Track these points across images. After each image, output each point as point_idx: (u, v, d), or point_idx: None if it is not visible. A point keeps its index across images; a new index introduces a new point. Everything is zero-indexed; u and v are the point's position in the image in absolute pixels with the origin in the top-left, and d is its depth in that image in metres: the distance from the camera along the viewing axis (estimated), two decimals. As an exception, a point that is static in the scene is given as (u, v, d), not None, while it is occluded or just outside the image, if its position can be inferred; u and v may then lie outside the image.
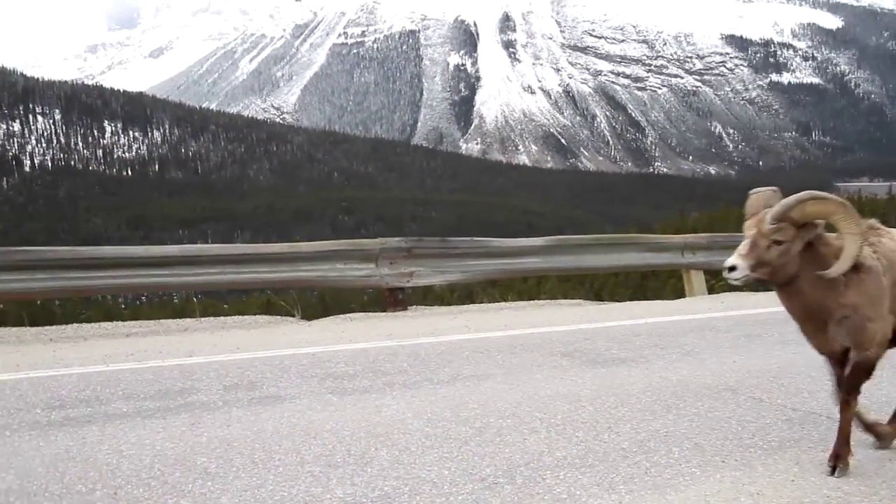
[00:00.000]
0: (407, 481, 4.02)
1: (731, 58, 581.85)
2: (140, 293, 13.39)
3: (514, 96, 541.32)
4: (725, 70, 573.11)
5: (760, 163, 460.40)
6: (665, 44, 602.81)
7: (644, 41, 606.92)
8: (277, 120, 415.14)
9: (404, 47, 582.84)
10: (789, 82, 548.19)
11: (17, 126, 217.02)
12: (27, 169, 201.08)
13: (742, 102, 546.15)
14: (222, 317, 10.59)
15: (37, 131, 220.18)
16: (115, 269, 9.19)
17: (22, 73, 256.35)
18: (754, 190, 4.00)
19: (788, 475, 4.07)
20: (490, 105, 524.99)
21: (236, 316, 10.62)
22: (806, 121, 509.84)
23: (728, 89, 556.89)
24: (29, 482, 3.93)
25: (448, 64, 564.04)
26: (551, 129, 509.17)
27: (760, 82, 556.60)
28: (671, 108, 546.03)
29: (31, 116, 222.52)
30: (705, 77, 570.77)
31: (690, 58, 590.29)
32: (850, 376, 3.89)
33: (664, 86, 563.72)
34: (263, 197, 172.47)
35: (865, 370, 3.90)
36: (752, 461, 4.30)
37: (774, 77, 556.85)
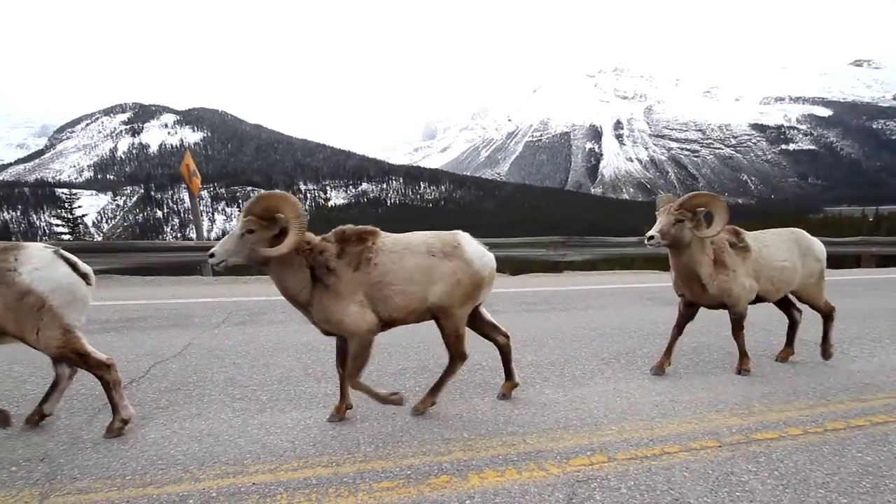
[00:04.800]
0: (562, 355, 3.94)
1: (755, 137, 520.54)
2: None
3: (621, 163, 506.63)
4: (751, 144, 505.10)
5: (772, 196, 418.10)
6: (713, 130, 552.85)
7: (699, 130, 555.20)
8: (498, 179, 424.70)
9: (562, 140, 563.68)
10: (793, 149, 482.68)
11: (384, 185, 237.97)
12: (388, 206, 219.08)
13: (761, 162, 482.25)
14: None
15: (391, 189, 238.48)
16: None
17: (387, 161, 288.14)
18: (661, 195, 3.50)
19: (787, 374, 3.61)
20: (608, 168, 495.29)
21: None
22: (804, 171, 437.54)
23: (752, 155, 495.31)
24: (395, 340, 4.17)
25: (585, 147, 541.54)
26: (641, 180, 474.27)
27: (774, 150, 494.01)
28: (715, 166, 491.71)
29: (389, 181, 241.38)
30: (738, 148, 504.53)
31: (728, 137, 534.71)
32: None
33: (711, 154, 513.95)
34: (491, 216, 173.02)
35: None
36: (763, 364, 3.83)
37: (784, 146, 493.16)
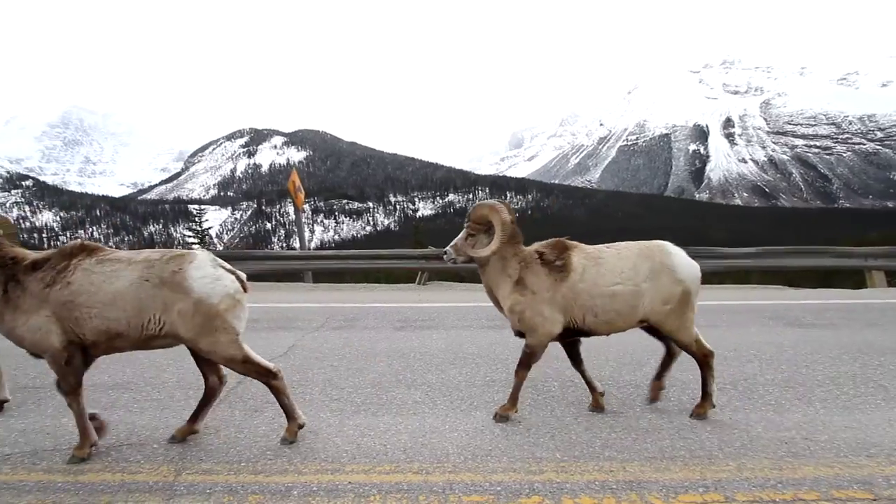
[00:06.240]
0: (665, 378, 3.41)
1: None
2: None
3: (732, 164, 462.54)
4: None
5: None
6: (850, 123, 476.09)
7: (832, 123, 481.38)
8: (588, 187, 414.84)
9: (661, 143, 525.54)
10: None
11: (470, 196, 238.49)
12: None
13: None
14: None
15: (477, 199, 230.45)
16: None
17: (473, 172, 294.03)
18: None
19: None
20: (715, 171, 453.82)
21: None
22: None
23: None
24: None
25: (688, 150, 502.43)
26: (757, 183, 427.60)
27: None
28: (854, 164, 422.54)
29: (475, 192, 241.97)
30: (885, 143, 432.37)
31: (872, 130, 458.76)
32: None
33: (848, 151, 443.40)
34: (580, 225, 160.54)
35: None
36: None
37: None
